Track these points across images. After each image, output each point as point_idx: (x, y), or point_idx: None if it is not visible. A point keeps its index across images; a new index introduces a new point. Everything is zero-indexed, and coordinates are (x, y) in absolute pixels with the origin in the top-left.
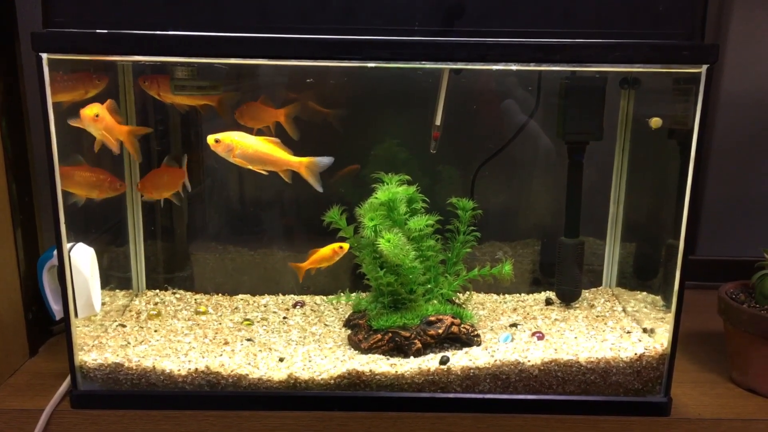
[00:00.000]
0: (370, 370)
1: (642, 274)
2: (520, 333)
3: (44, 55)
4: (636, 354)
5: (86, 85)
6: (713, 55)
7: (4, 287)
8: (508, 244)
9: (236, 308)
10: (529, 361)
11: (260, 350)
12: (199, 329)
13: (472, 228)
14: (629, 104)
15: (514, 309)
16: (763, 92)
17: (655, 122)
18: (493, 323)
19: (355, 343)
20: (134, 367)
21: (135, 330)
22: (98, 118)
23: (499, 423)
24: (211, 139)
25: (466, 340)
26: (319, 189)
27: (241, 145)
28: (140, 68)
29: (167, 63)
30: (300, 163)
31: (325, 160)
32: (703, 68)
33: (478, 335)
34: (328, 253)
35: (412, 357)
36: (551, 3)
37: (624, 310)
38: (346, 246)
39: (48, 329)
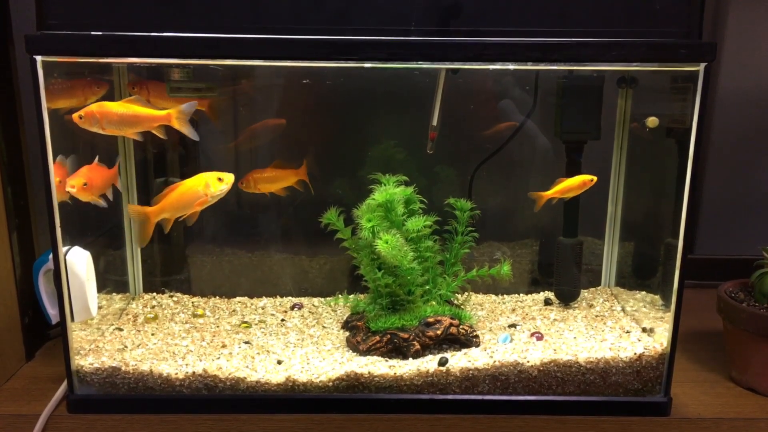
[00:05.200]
0: (369, 372)
1: (641, 274)
2: (519, 333)
3: (38, 58)
4: (635, 354)
5: (86, 91)
6: (711, 53)
7: (0, 292)
8: (506, 244)
9: (234, 311)
10: (528, 361)
11: (258, 353)
12: (196, 332)
13: (471, 228)
14: (627, 103)
15: (513, 309)
16: (761, 90)
17: (652, 122)
18: (491, 324)
19: (353, 345)
20: (131, 371)
21: (132, 333)
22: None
23: (499, 424)
24: (75, 116)
25: (464, 341)
26: (195, 138)
27: (106, 113)
28: (136, 71)
29: (162, 65)
30: (168, 114)
31: (189, 106)
32: (701, 66)
33: (476, 336)
34: (575, 183)
35: (410, 358)
36: (548, 2)
37: (623, 310)
38: (594, 178)
39: (44, 333)
